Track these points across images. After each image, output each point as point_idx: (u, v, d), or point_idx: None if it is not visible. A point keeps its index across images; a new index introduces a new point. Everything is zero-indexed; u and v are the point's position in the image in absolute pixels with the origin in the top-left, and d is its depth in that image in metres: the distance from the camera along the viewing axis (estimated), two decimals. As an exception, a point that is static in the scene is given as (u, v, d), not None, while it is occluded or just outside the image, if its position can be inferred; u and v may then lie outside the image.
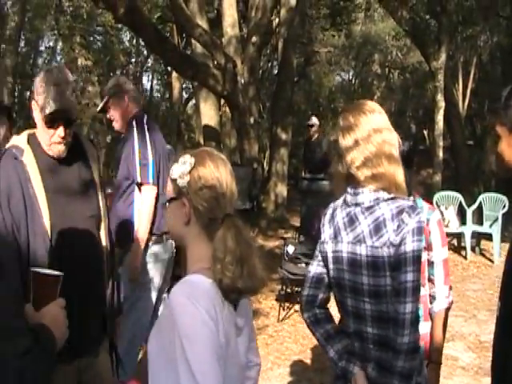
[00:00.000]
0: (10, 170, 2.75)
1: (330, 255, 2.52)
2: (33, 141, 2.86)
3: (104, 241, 3.07)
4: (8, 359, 1.54)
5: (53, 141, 2.82)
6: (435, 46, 14.55)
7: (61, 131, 2.80)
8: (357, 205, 2.44)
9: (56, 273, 2.06)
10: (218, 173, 2.00)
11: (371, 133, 2.42)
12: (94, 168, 3.09)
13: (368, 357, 2.45)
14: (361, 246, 2.40)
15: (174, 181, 2.02)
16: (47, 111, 2.75)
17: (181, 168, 2.00)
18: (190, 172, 1.98)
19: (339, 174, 2.54)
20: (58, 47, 23.79)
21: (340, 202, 2.55)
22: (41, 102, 2.76)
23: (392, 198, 2.40)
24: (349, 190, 2.49)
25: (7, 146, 2.87)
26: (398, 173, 2.46)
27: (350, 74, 30.46)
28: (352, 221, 2.46)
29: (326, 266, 2.56)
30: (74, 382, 2.93)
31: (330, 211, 2.58)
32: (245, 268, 1.91)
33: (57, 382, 2.78)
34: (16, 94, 21.42)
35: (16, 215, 2.70)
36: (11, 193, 2.71)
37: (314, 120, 11.56)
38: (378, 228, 2.37)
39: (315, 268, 2.60)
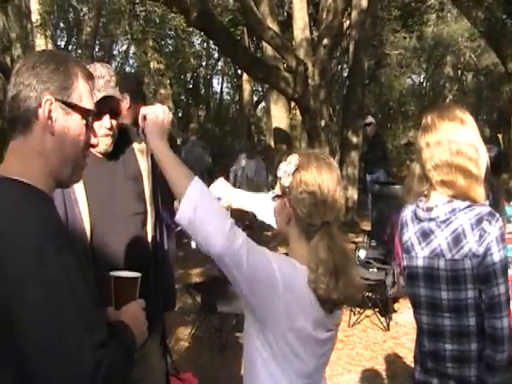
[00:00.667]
0: None
1: (405, 272, 2.49)
2: None
3: (150, 238, 3.04)
4: (84, 351, 1.56)
5: (100, 134, 2.77)
6: (512, 46, 14.19)
7: (107, 122, 2.78)
8: (431, 220, 2.37)
9: (133, 274, 2.09)
10: (320, 178, 1.98)
11: (445, 141, 2.35)
12: (142, 162, 3.02)
13: (444, 375, 2.38)
14: (439, 260, 2.33)
15: (279, 179, 2.04)
16: (94, 100, 2.75)
17: (285, 168, 2.01)
18: (292, 174, 1.98)
19: (413, 173, 2.50)
20: (131, 51, 24.31)
21: (409, 213, 2.50)
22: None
23: (468, 206, 2.31)
24: (420, 204, 2.42)
25: None
26: (476, 190, 2.36)
27: (421, 76, 30.04)
28: (426, 235, 2.39)
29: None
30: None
31: (400, 224, 2.54)
32: (340, 279, 1.90)
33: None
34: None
35: None
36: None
37: (371, 119, 11.50)
38: (457, 240, 2.29)
39: None
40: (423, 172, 2.43)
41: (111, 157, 2.90)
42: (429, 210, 2.38)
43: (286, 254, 2.07)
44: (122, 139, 2.96)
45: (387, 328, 7.06)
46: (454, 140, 2.35)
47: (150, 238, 3.03)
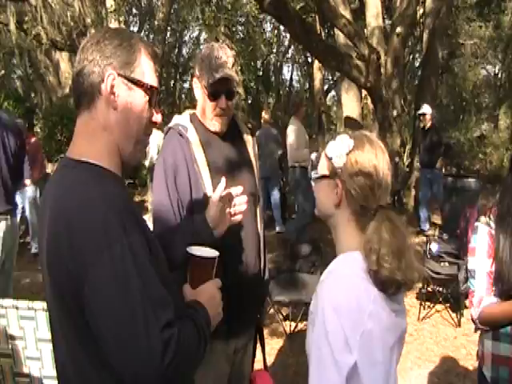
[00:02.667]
0: (177, 146, 2.81)
1: None
2: (194, 119, 2.91)
3: (260, 221, 3.07)
4: (151, 330, 1.56)
5: (215, 114, 2.85)
6: None
7: (223, 102, 2.83)
8: None
9: (212, 254, 2.05)
10: (377, 160, 1.92)
11: None
12: (251, 150, 3.09)
13: None
14: None
15: (329, 159, 1.96)
16: (210, 81, 2.79)
17: (339, 148, 1.93)
18: (347, 154, 1.91)
19: None
20: (202, 37, 24.46)
21: None
22: (205, 74, 2.81)
23: None
24: None
25: (170, 124, 2.92)
26: None
27: (497, 67, 29.12)
28: None
29: None
30: (229, 363, 2.95)
31: None
32: (402, 261, 1.84)
33: (215, 360, 2.86)
34: (162, 82, 22.20)
35: (182, 192, 2.76)
36: (178, 170, 2.77)
37: (426, 108, 11.13)
38: None
39: None
40: None
41: (226, 138, 2.97)
42: None
43: None
44: (234, 124, 3.03)
45: (458, 324, 6.90)
46: None
47: (259, 220, 3.08)
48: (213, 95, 2.83)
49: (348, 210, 1.95)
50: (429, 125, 11.16)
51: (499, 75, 29.23)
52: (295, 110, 10.66)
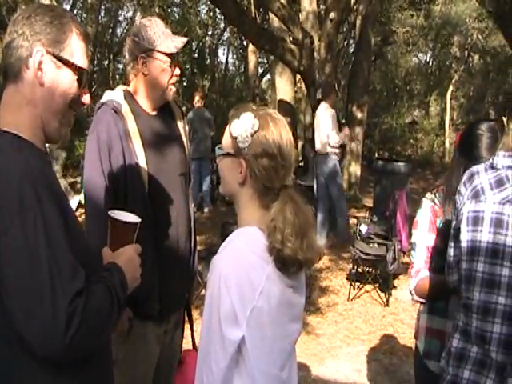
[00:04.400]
0: (110, 122, 2.77)
1: (466, 215, 2.35)
2: (128, 96, 2.87)
3: (191, 202, 3.08)
4: (57, 301, 1.57)
5: (171, 82, 2.87)
6: (521, 28, 14.01)
7: (178, 70, 2.88)
8: (509, 168, 2.30)
9: (134, 219, 2.03)
10: (281, 141, 1.92)
11: None
12: (181, 127, 3.09)
13: (489, 336, 2.24)
14: (510, 206, 2.24)
15: (234, 138, 1.94)
16: (168, 51, 2.81)
17: (243, 127, 1.91)
18: (252, 135, 1.90)
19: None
20: (137, 18, 24.07)
21: (481, 166, 2.40)
22: (159, 46, 2.81)
23: None
24: (500, 153, 2.35)
25: (103, 99, 2.87)
26: None
27: (428, 55, 29.74)
28: (501, 182, 2.29)
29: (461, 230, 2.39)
30: (159, 344, 2.95)
31: (466, 176, 2.43)
32: (304, 241, 1.87)
33: (145, 342, 2.85)
34: (95, 62, 21.81)
35: (116, 168, 2.72)
36: (111, 145, 2.74)
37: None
38: None
39: (457, 250, 2.41)
40: None
41: (159, 116, 2.97)
42: (511, 156, 2.31)
43: None
44: (166, 102, 3.03)
45: (387, 304, 7.07)
46: None
47: (190, 200, 3.09)
48: (169, 64, 2.85)
49: (251, 188, 1.94)
50: None
51: (430, 63, 29.88)
52: (326, 94, 9.82)
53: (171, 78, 2.88)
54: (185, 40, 2.89)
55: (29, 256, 1.57)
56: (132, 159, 2.75)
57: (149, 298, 2.76)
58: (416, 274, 2.82)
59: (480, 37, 26.25)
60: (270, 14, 12.70)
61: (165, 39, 2.81)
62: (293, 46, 11.18)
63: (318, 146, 9.34)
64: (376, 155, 12.47)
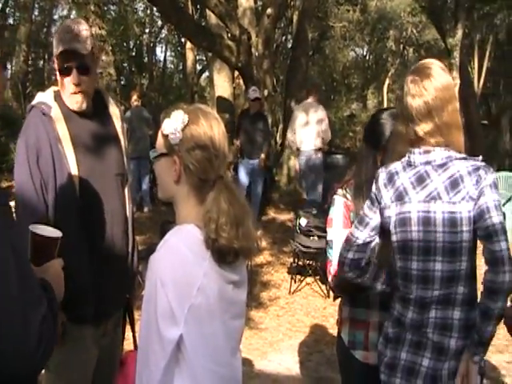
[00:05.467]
0: (39, 125, 2.71)
1: (393, 219, 2.42)
2: (58, 98, 2.80)
3: (128, 199, 3.04)
4: (31, 327, 1.53)
5: (70, 91, 2.74)
6: (451, 22, 14.34)
7: (74, 77, 2.71)
8: (427, 163, 2.36)
9: (55, 234, 2.01)
10: (212, 132, 1.94)
11: (443, 102, 2.36)
12: (118, 126, 3.03)
13: (425, 321, 2.38)
14: (435, 202, 2.32)
15: (165, 136, 1.95)
16: (57, 52, 2.70)
17: (173, 124, 1.93)
18: (182, 130, 1.92)
19: (402, 136, 2.48)
20: (72, 16, 23.70)
21: (399, 165, 2.46)
22: (54, 48, 2.71)
23: (464, 158, 2.36)
24: (416, 150, 2.40)
25: (33, 102, 2.82)
26: (462, 142, 2.43)
27: (365, 49, 30.18)
28: (422, 179, 2.37)
29: (384, 231, 2.48)
30: (97, 346, 2.91)
31: (383, 176, 2.49)
32: (240, 230, 1.89)
33: (81, 346, 2.82)
34: (30, 62, 21.38)
35: (45, 173, 2.68)
36: (40, 149, 2.68)
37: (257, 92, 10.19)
38: (454, 183, 2.30)
39: (363, 234, 2.51)
40: (417, 136, 2.41)
41: (92, 115, 2.87)
42: (426, 152, 2.37)
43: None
44: (100, 101, 2.95)
45: (327, 295, 7.14)
46: (449, 97, 2.38)
47: (127, 200, 3.03)
48: (62, 70, 2.73)
49: (187, 184, 1.95)
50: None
51: (367, 57, 30.33)
52: (313, 92, 10.29)
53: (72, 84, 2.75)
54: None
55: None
56: (61, 163, 2.70)
57: (82, 301, 2.72)
58: (335, 272, 2.86)
59: (414, 31, 26.75)
60: (207, 10, 12.66)
61: (67, 42, 2.70)
62: (230, 43, 11.21)
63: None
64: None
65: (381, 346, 2.56)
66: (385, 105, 24.34)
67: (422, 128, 2.37)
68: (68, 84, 2.73)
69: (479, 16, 21.03)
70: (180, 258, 1.86)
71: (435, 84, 2.36)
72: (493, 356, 5.26)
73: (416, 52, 28.55)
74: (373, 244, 2.56)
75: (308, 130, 9.87)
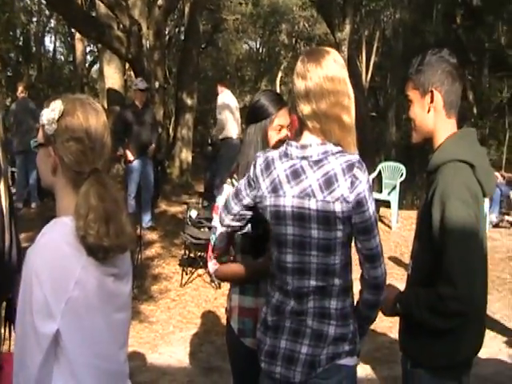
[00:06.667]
0: None
1: (268, 210, 2.43)
2: None
3: (3, 196, 2.95)
4: None
5: None
6: (340, 17, 14.67)
7: None
8: (303, 158, 2.36)
9: None
10: (88, 124, 1.89)
11: (324, 91, 2.33)
12: None
13: (305, 310, 2.42)
14: (310, 200, 2.32)
15: (42, 126, 1.91)
16: None
17: (49, 114, 1.89)
18: (57, 120, 1.87)
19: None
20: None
21: (276, 153, 2.46)
22: None
23: (340, 152, 2.34)
24: (293, 143, 2.41)
25: None
26: (348, 140, 2.40)
27: (258, 42, 30.45)
28: (297, 174, 2.36)
29: (261, 220, 2.50)
30: None
31: (261, 161, 2.48)
32: (111, 226, 1.85)
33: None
34: None
35: None
36: None
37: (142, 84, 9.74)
38: (328, 182, 2.30)
39: (237, 207, 2.55)
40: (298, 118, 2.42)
41: None
42: (303, 147, 2.36)
43: None
44: None
45: (219, 286, 7.20)
46: (332, 88, 2.35)
47: (3, 197, 2.94)
48: None
49: (64, 177, 1.91)
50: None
51: (260, 50, 30.62)
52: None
53: None
54: None
55: None
56: None
57: None
58: (215, 258, 2.89)
59: (306, 25, 27.27)
60: (96, 0, 12.41)
61: None
62: (120, 34, 11.05)
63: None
64: (209, 141, 12.56)
65: (260, 334, 2.57)
66: (278, 98, 24.63)
67: (301, 109, 2.37)
68: None
69: (367, 12, 21.70)
70: (56, 252, 1.82)
71: (320, 72, 2.34)
72: (377, 337, 5.53)
73: (308, 46, 29.11)
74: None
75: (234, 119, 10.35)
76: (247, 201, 2.54)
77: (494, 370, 5.00)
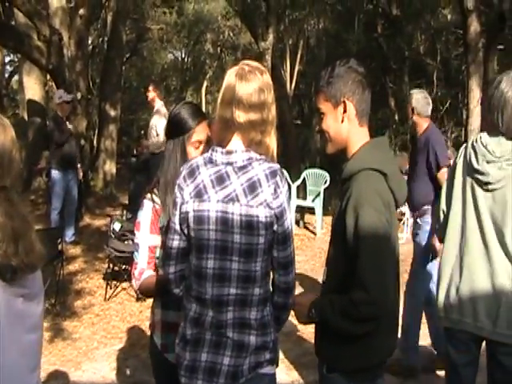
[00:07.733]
0: None
1: (191, 215, 2.41)
2: None
3: None
4: None
5: None
6: (263, 26, 14.81)
7: None
8: (228, 164, 2.39)
9: None
10: None
11: (255, 95, 2.39)
12: None
13: (225, 322, 2.41)
14: (234, 204, 2.34)
15: None
16: None
17: None
18: None
19: (226, 121, 2.46)
20: None
21: (200, 159, 2.47)
22: None
23: (262, 159, 2.40)
24: (218, 149, 2.42)
25: None
26: (273, 143, 2.48)
27: (183, 52, 30.39)
28: (222, 179, 2.38)
29: (185, 227, 2.45)
30: None
31: (187, 171, 2.47)
32: (20, 244, 1.80)
33: None
34: None
35: None
36: None
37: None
38: (252, 187, 2.34)
39: (177, 242, 2.49)
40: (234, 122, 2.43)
41: None
42: (228, 153, 2.39)
43: None
44: None
45: (144, 299, 7.07)
46: (263, 96, 2.41)
47: None
48: None
49: None
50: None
51: (185, 59, 30.56)
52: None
53: None
54: None
55: None
56: None
57: None
58: (140, 275, 2.87)
59: (231, 34, 27.40)
60: (15, 8, 12.13)
61: None
62: (40, 43, 10.84)
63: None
64: (135, 152, 12.48)
65: (179, 349, 2.54)
66: (203, 106, 24.65)
67: (237, 115, 2.41)
68: None
69: (290, 21, 21.98)
70: None
71: (247, 87, 2.40)
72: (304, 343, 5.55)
73: (233, 55, 29.25)
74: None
75: None
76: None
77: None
